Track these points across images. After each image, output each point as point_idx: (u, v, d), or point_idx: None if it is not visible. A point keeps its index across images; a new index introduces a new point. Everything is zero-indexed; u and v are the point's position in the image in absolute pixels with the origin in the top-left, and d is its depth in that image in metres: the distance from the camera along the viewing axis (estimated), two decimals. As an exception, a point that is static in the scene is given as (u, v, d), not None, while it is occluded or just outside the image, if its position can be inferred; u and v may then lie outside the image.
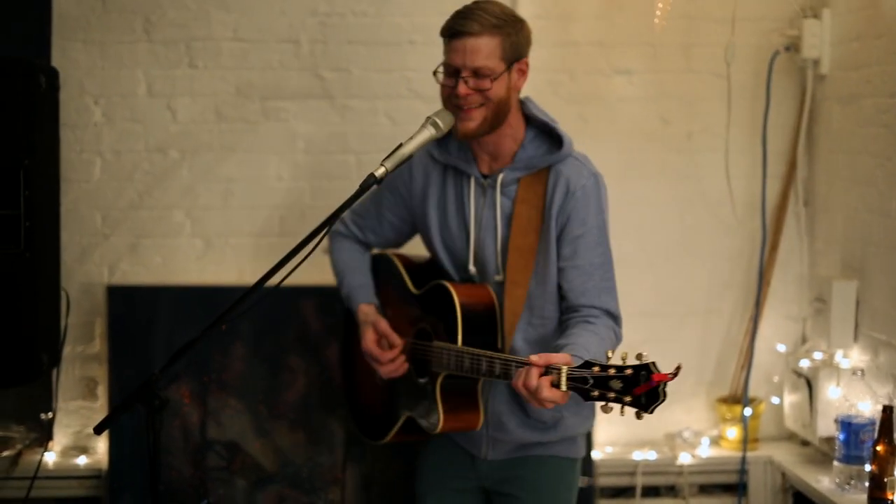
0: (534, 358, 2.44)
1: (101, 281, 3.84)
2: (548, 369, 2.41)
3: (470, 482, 2.98)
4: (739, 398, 3.96)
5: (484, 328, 2.82)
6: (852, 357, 3.68)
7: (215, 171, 3.87)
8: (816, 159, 3.95)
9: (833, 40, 3.81)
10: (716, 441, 3.99)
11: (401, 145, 2.76)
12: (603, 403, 2.30)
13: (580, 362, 2.42)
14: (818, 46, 3.83)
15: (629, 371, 2.27)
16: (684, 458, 3.87)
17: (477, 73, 2.73)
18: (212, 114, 3.85)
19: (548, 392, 2.40)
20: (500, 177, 2.82)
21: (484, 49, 2.72)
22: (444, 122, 2.80)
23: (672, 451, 3.91)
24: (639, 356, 2.27)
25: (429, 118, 2.80)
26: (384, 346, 2.97)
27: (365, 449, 3.73)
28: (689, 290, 4.02)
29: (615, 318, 2.80)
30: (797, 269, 4.03)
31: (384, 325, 2.98)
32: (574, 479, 2.99)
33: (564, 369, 2.37)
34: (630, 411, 2.29)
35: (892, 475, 3.33)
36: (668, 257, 3.98)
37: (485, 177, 2.86)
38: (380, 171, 2.73)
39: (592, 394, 2.32)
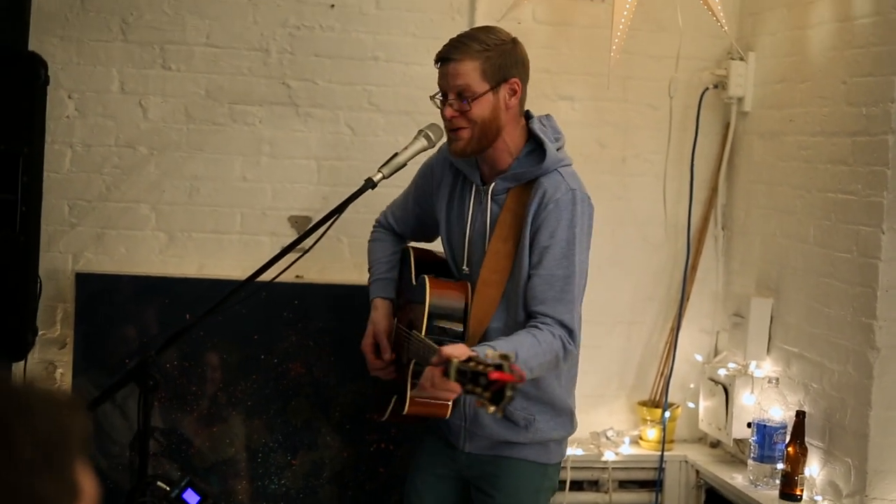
0: (445, 349, 2.59)
1: (65, 268, 3.97)
2: (446, 362, 2.53)
3: (451, 470, 3.18)
4: (658, 402, 4.33)
5: (450, 322, 2.99)
6: (764, 368, 4.08)
7: (182, 168, 4.04)
8: (735, 187, 4.36)
9: (757, 81, 4.22)
10: (635, 441, 4.34)
11: (396, 154, 3.03)
12: (476, 398, 2.42)
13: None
14: (743, 86, 4.24)
15: (490, 368, 2.38)
16: (609, 456, 4.21)
17: (460, 96, 2.94)
18: (182, 114, 4.03)
19: (439, 381, 2.58)
20: (493, 186, 3.03)
21: (464, 72, 2.92)
22: (435, 135, 3.07)
23: (597, 448, 4.24)
24: (503, 356, 2.37)
25: (421, 131, 3.07)
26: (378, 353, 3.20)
27: (316, 437, 3.95)
28: (616, 302, 4.36)
29: (569, 330, 2.90)
30: (713, 287, 4.43)
31: (384, 337, 3.19)
32: (543, 483, 3.15)
33: (455, 362, 2.47)
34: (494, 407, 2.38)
35: (802, 473, 3.74)
36: (598, 271, 4.27)
37: (483, 184, 3.07)
38: (377, 177, 3.00)
39: (467, 388, 2.43)
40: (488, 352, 2.51)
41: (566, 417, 3.12)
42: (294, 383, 3.95)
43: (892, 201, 3.46)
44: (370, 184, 2.99)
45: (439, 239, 3.30)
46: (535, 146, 3.04)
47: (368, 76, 4.14)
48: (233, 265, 4.07)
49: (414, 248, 3.37)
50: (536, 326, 2.91)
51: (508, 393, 2.32)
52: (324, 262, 4.14)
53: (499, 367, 2.36)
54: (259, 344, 3.93)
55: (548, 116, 3.13)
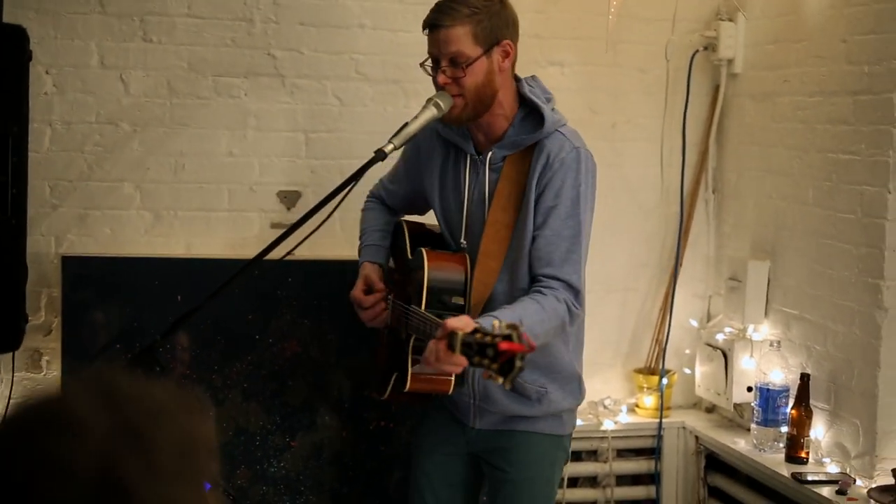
0: (449, 322, 2.51)
1: (48, 251, 3.83)
2: (450, 335, 2.47)
3: (459, 448, 3.11)
4: (654, 369, 4.30)
5: (450, 294, 2.92)
6: (762, 331, 4.06)
7: (166, 145, 3.91)
8: (726, 150, 4.32)
9: (748, 42, 4.18)
10: (632, 409, 4.31)
11: (406, 124, 2.93)
12: (483, 370, 2.36)
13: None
14: (733, 47, 4.20)
15: (498, 339, 2.31)
16: (608, 425, 4.17)
17: (453, 62, 2.86)
18: (164, 88, 3.89)
19: (444, 355, 2.48)
20: (490, 154, 2.96)
21: (456, 38, 2.84)
22: (444, 103, 2.96)
23: (596, 417, 4.20)
24: (510, 326, 2.30)
25: (430, 99, 2.95)
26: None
27: (314, 417, 3.86)
28: (609, 269, 4.31)
29: (575, 291, 2.85)
30: (704, 251, 4.40)
31: (374, 276, 3.11)
32: (558, 455, 3.09)
33: (460, 334, 2.41)
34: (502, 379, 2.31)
35: (808, 436, 3.73)
36: (592, 239, 4.22)
37: (478, 154, 3.01)
38: (388, 147, 2.89)
39: (473, 360, 2.37)
40: (494, 322, 2.40)
41: (575, 384, 3.06)
42: (290, 363, 3.85)
43: (898, 161, 3.45)
44: (381, 155, 2.88)
45: (431, 212, 3.21)
46: (528, 111, 2.98)
47: (355, 45, 4.03)
48: (221, 243, 3.96)
49: (408, 221, 3.28)
50: (540, 291, 2.84)
51: (518, 363, 2.27)
52: (314, 237, 4.02)
53: (507, 338, 2.29)
54: (253, 324, 3.83)
55: (533, 78, 3.05)
